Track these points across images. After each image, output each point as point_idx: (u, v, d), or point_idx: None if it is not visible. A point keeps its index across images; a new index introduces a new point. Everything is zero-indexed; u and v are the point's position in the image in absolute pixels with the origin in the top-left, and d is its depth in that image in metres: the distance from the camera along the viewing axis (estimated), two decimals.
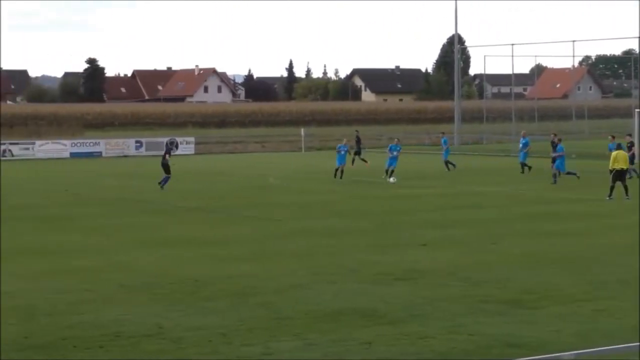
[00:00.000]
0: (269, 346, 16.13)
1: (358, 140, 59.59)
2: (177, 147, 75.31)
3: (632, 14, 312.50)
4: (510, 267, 23.54)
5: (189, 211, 36.53)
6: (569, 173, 47.43)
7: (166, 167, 44.99)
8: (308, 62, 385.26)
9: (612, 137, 49.10)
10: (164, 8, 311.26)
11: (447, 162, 55.84)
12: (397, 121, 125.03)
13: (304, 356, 15.63)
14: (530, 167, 52.07)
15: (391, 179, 47.92)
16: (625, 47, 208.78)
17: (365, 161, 55.82)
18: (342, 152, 49.62)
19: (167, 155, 45.79)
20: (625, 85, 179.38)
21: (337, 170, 49.05)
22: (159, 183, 44.84)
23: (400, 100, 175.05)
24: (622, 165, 38.89)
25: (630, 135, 47.97)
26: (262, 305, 19.30)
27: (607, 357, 10.98)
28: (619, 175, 38.89)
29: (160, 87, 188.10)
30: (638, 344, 10.61)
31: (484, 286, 21.13)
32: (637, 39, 78.45)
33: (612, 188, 38.90)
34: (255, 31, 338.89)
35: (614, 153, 39.60)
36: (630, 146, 47.59)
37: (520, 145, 53.60)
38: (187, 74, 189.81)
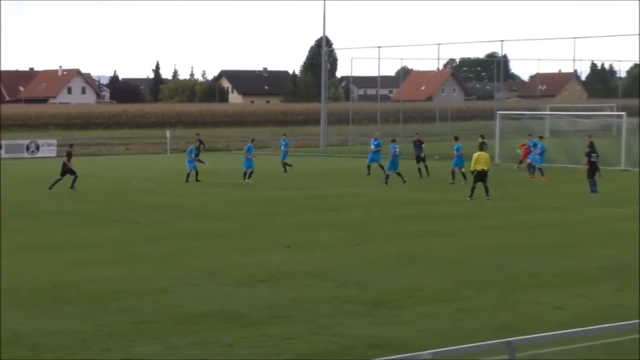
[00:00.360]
0: (128, 351, 15.87)
1: (200, 143, 59.50)
2: (38, 149, 73.82)
3: (495, 17, 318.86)
4: (375, 268, 23.70)
5: (51, 214, 35.78)
6: (387, 176, 47.11)
7: (68, 171, 44.48)
8: (175, 64, 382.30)
9: (456, 138, 49.74)
10: (27, 7, 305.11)
11: (284, 164, 55.87)
12: (264, 123, 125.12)
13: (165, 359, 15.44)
14: (382, 167, 51.48)
15: (249, 181, 47.80)
16: (488, 50, 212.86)
17: (202, 162, 55.64)
18: (194, 156, 49.62)
19: (69, 160, 45.19)
20: (488, 87, 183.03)
21: (189, 174, 48.78)
22: (71, 187, 44.07)
23: (268, 102, 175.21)
24: (484, 166, 39.57)
25: (482, 136, 48.97)
26: (123, 309, 19.00)
27: (465, 357, 11.06)
28: (481, 176, 39.55)
29: (21, 88, 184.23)
30: (495, 341, 10.73)
31: (348, 287, 21.22)
32: (500, 43, 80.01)
33: (473, 189, 39.55)
34: (121, 32, 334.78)
35: (475, 155, 40.21)
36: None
37: (372, 146, 52.99)
38: (50, 74, 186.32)
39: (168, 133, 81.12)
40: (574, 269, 23.48)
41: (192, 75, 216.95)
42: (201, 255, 25.95)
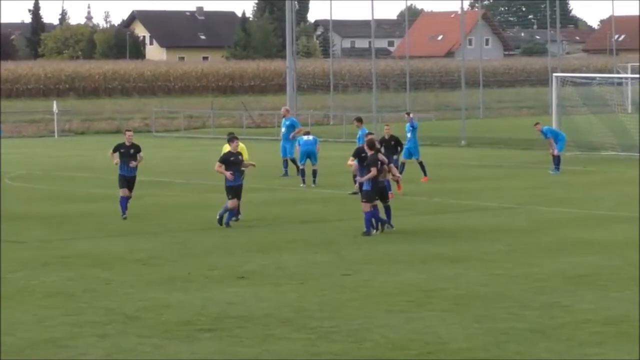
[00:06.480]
0: None
1: None
2: None
3: None
4: (373, 309, 23.66)
5: None
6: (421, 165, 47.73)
7: None
8: (63, 3, 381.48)
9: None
10: None
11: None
12: (201, 90, 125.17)
13: None
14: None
15: None
16: None
17: None
18: None
19: None
20: (538, 37, 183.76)
21: None
22: None
23: (205, 58, 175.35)
24: None
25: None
26: None
27: None
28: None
29: None
30: None
31: (334, 338, 21.13)
32: None
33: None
34: None
35: None
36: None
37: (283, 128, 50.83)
38: None
39: (55, 106, 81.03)
40: None
41: (89, 18, 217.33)
42: (108, 290, 26.05)
